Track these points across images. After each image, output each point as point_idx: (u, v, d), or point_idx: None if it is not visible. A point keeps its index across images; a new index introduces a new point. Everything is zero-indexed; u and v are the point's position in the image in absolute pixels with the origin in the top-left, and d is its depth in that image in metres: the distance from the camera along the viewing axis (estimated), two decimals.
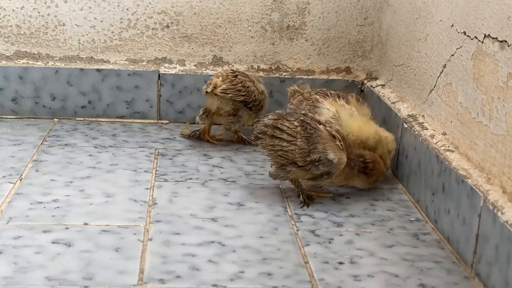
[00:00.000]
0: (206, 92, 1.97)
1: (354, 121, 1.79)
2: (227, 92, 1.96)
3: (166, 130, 2.16)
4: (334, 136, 1.61)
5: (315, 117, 1.66)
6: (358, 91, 2.23)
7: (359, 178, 1.70)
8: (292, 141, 1.61)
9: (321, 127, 1.62)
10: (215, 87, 1.96)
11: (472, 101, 1.45)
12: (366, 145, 1.77)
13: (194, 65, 2.21)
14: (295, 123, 1.63)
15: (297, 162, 1.60)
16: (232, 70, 2.04)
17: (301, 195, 1.65)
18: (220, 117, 2.02)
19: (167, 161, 1.89)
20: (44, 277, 1.25)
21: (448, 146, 1.56)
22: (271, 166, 1.68)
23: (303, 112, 1.69)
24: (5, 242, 1.37)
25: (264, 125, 1.66)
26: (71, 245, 1.38)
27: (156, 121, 2.22)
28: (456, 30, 1.56)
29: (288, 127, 1.63)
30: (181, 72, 2.19)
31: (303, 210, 1.61)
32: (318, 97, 1.84)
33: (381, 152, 1.77)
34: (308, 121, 1.63)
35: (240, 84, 1.98)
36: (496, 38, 1.35)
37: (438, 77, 1.66)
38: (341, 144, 1.61)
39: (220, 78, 1.98)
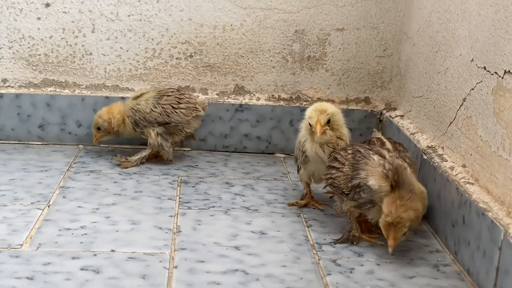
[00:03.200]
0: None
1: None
2: None
3: (189, 157, 2.20)
4: (382, 165, 1.56)
5: (374, 148, 1.64)
6: (377, 121, 2.27)
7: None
8: (340, 168, 1.64)
9: (374, 156, 1.59)
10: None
11: (492, 135, 1.48)
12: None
13: (216, 94, 2.26)
14: (349, 151, 1.65)
15: (343, 190, 1.61)
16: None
17: (348, 233, 1.63)
18: None
19: (190, 188, 1.92)
20: None
21: (468, 179, 1.59)
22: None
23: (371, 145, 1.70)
24: (35, 268, 1.41)
25: (330, 159, 1.70)
26: (99, 272, 1.41)
27: (178, 148, 2.26)
28: (476, 64, 1.59)
29: (341, 155, 1.66)
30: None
31: (333, 247, 1.60)
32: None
33: None
34: (360, 150, 1.63)
35: None
36: None
37: (458, 110, 1.70)
38: (383, 172, 1.55)
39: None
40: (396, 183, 1.53)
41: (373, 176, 1.56)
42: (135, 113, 2.07)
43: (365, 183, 1.56)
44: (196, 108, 2.09)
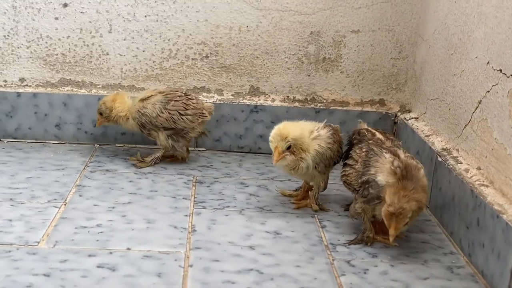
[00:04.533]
0: None
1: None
2: None
3: (203, 157, 2.22)
4: (391, 162, 1.56)
5: (388, 147, 1.65)
6: (392, 123, 2.27)
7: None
8: (353, 165, 1.66)
9: (387, 154, 1.59)
10: None
11: (508, 137, 1.48)
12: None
13: (232, 95, 2.27)
14: (364, 149, 1.67)
15: (355, 186, 1.63)
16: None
17: (363, 234, 1.64)
18: None
19: (205, 188, 1.94)
20: None
21: (483, 181, 1.59)
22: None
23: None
24: (52, 265, 1.43)
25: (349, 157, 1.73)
26: (115, 270, 1.43)
27: (193, 148, 2.27)
28: (492, 67, 1.59)
29: (356, 153, 1.68)
30: (219, 101, 2.25)
31: (348, 247, 1.61)
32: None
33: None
34: (374, 148, 1.64)
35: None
36: None
37: (473, 112, 1.70)
38: (391, 168, 1.55)
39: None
40: (403, 178, 1.54)
41: (382, 173, 1.56)
42: (141, 116, 2.06)
43: (374, 179, 1.57)
44: (203, 113, 2.08)
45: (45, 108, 2.22)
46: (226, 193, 1.91)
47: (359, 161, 1.65)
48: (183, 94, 2.09)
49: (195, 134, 2.10)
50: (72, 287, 1.34)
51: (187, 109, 2.06)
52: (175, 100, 2.06)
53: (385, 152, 1.61)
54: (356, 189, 1.63)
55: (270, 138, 1.73)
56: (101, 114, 2.11)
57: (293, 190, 1.92)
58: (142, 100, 2.08)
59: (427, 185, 1.60)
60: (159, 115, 2.04)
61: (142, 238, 1.59)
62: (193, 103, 2.07)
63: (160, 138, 2.07)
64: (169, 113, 2.04)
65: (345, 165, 1.73)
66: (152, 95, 2.08)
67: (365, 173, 1.60)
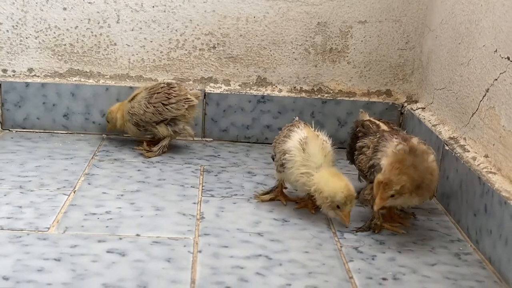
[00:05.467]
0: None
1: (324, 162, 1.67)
2: None
3: (210, 147, 2.22)
4: (395, 146, 1.57)
5: (399, 133, 1.67)
6: (398, 114, 2.27)
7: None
8: (365, 151, 1.68)
9: (395, 139, 1.59)
10: None
11: None
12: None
13: (239, 85, 2.28)
14: (377, 135, 1.69)
15: (365, 172, 1.64)
16: None
17: (370, 221, 1.64)
18: None
19: (212, 177, 1.95)
20: (101, 284, 1.31)
21: (491, 169, 1.59)
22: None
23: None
24: (62, 250, 1.44)
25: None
26: (125, 255, 1.44)
27: (200, 138, 2.28)
28: (500, 55, 1.60)
29: (370, 139, 1.71)
30: (226, 92, 2.26)
31: (355, 234, 1.62)
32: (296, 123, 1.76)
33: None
34: (385, 134, 1.65)
35: None
36: None
37: (481, 101, 1.70)
38: (393, 151, 1.55)
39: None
40: (404, 153, 1.54)
41: (386, 156, 1.57)
42: (132, 117, 2.09)
43: (378, 163, 1.58)
44: (188, 99, 2.08)
45: (53, 98, 2.24)
46: (234, 181, 1.92)
47: (371, 147, 1.67)
48: (166, 85, 2.09)
49: (187, 121, 2.10)
50: (83, 271, 1.35)
51: (169, 98, 2.06)
52: (157, 93, 2.07)
53: (395, 138, 1.61)
54: (365, 174, 1.64)
55: (341, 199, 1.59)
56: (108, 122, 2.16)
57: (268, 192, 1.82)
58: (130, 100, 2.11)
59: (437, 170, 1.59)
60: (146, 111, 2.06)
61: (151, 225, 1.60)
62: (175, 91, 2.08)
63: (160, 130, 2.08)
64: (154, 106, 2.06)
65: (352, 161, 1.74)
66: (138, 93, 2.10)
67: (372, 158, 1.62)
